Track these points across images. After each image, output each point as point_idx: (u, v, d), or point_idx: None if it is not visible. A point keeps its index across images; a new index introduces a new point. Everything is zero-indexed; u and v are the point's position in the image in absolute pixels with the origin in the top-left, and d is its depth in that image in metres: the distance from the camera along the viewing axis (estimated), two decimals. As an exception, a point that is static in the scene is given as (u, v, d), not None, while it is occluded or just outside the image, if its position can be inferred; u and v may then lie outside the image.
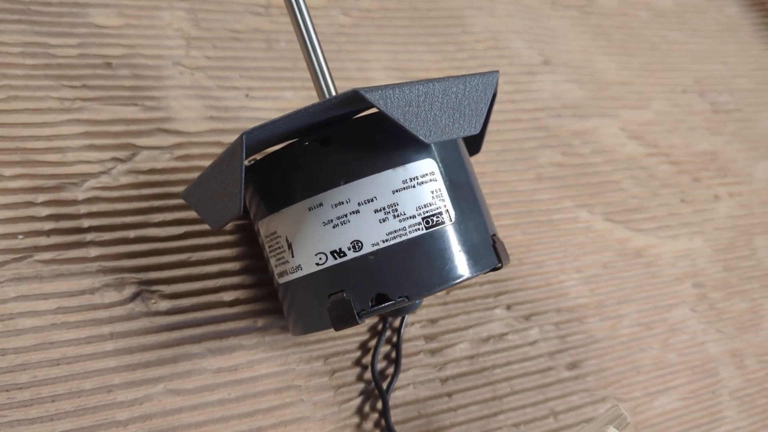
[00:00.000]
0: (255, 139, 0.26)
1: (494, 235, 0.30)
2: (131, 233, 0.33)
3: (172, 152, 0.36)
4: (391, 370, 0.37)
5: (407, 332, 0.38)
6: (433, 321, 0.39)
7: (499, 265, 0.30)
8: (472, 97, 0.27)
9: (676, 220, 0.49)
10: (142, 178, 0.34)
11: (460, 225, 0.28)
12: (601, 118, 0.50)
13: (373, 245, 0.27)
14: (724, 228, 0.51)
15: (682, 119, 0.54)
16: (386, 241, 0.27)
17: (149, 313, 0.33)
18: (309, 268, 0.28)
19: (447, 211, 0.28)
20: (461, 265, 0.28)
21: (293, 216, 0.28)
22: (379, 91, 0.24)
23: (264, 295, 0.35)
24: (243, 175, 0.26)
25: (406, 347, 0.37)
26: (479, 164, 0.44)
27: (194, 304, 0.34)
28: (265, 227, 0.30)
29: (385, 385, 0.36)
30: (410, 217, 0.27)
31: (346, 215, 0.27)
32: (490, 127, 0.43)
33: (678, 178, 0.51)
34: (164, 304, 0.33)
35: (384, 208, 0.27)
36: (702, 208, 0.51)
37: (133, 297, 0.33)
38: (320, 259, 0.28)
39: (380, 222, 0.27)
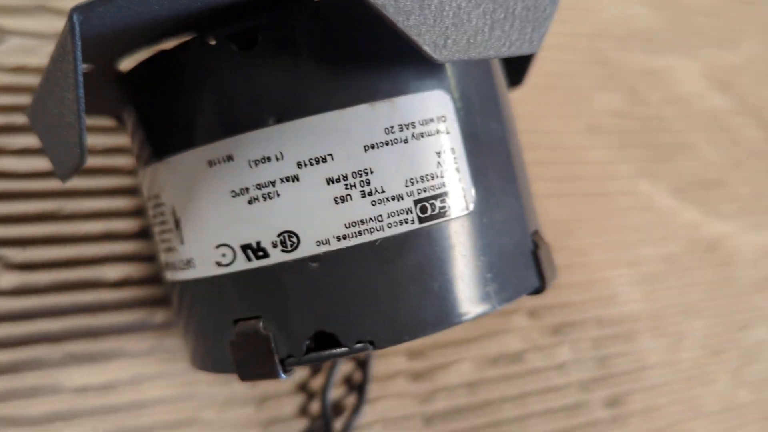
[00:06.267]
0: (104, 24, 0.13)
1: (535, 233, 0.18)
2: (-29, 163, 0.22)
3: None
4: (351, 400, 0.25)
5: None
6: (422, 327, 0.27)
7: (540, 286, 0.17)
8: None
9: (764, 203, 0.37)
10: (5, 79, 0.23)
11: (483, 217, 0.16)
12: (678, 57, 0.38)
13: (319, 243, 0.15)
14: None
15: (784, 68, 0.41)
16: (345, 237, 0.15)
17: (-18, 291, 0.21)
18: (205, 268, 0.16)
19: (463, 190, 0.15)
20: (476, 290, 0.16)
21: (184, 172, 0.16)
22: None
23: (169, 275, 0.23)
24: (80, 91, 0.13)
25: (377, 367, 0.25)
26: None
27: (59, 282, 0.22)
28: (147, 183, 0.17)
29: (339, 425, 0.24)
30: (393, 198, 0.15)
31: (273, 183, 0.15)
32: (535, 52, 0.30)
33: (772, 148, 0.38)
34: (10, 279, 0.22)
35: (345, 177, 0.15)
36: (798, 191, 0.38)
37: (-39, 264, 0.21)
38: (223, 255, 0.15)
39: (335, 202, 0.15)
